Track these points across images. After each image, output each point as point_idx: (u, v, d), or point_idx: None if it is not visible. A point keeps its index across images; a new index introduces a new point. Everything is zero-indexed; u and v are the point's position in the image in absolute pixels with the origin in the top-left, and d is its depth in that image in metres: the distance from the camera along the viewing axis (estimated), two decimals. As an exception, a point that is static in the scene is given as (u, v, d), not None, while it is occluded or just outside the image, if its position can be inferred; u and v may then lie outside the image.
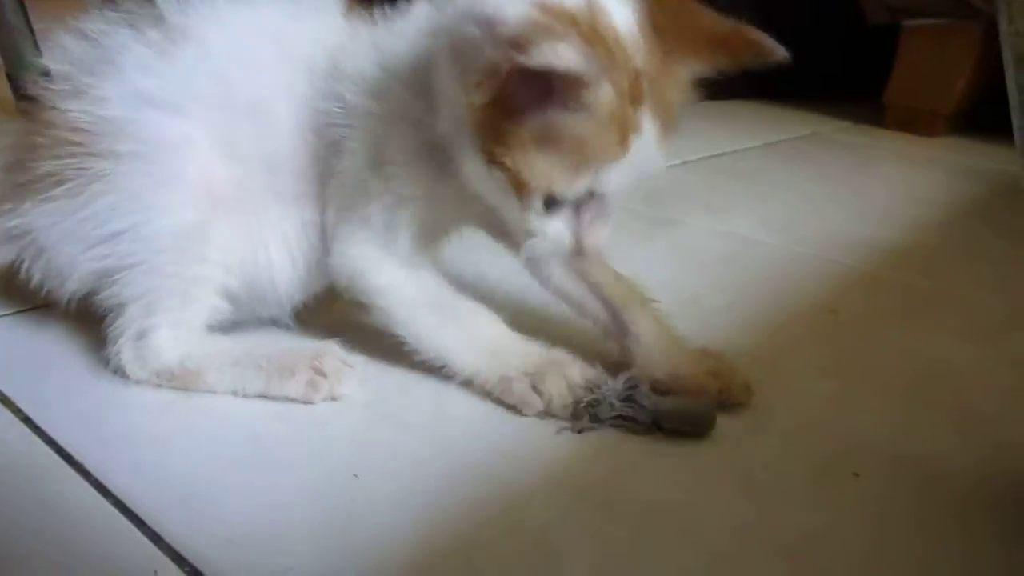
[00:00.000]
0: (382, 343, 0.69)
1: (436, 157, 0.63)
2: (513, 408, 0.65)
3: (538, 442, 0.62)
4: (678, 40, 0.58)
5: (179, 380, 0.65)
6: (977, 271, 1.03)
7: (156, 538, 0.50)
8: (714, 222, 1.11)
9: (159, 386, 0.66)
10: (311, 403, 0.64)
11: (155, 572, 0.48)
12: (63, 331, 0.72)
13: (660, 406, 0.63)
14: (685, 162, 1.40)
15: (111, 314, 0.66)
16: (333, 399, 0.65)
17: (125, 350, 0.65)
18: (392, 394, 0.67)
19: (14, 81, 1.30)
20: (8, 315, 0.74)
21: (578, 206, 0.60)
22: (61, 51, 0.66)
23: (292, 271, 0.69)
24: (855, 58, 1.88)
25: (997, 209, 1.33)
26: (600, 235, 0.61)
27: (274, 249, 0.68)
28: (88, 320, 0.72)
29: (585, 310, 0.72)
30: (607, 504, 0.56)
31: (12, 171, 0.67)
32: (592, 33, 0.53)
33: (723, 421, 0.65)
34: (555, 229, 0.60)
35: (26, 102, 0.68)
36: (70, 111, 0.64)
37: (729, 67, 0.60)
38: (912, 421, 0.68)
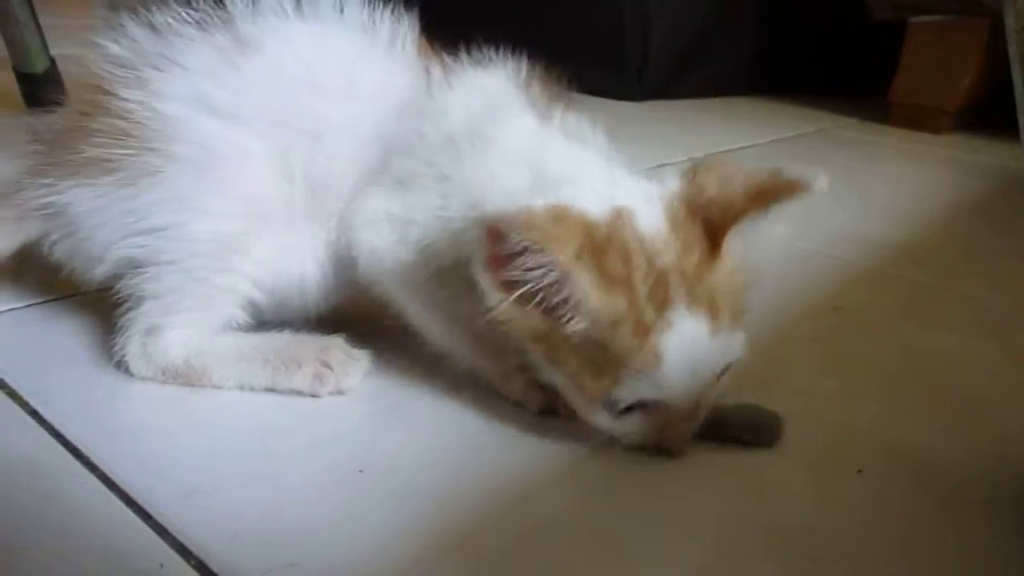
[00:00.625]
0: (388, 338, 0.70)
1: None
2: (518, 404, 0.65)
3: (543, 437, 0.62)
4: (724, 213, 0.57)
5: (183, 378, 0.65)
6: (981, 268, 1.03)
7: (162, 531, 0.50)
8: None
9: (163, 383, 0.66)
10: (317, 396, 0.65)
11: (161, 565, 0.48)
12: (71, 326, 0.72)
13: (725, 414, 0.62)
14: (691, 158, 1.40)
15: (127, 304, 0.66)
16: (339, 392, 0.65)
17: (132, 344, 0.65)
18: (397, 389, 0.67)
19: (21, 76, 1.31)
20: (16, 309, 0.74)
21: (657, 405, 0.57)
22: (127, 39, 0.66)
23: (322, 284, 0.68)
24: (861, 55, 1.87)
25: (1001, 206, 1.32)
26: (685, 434, 0.59)
27: (308, 264, 0.67)
28: (96, 315, 0.73)
29: None
30: (611, 498, 0.57)
31: (57, 148, 0.67)
32: (606, 240, 0.54)
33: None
34: (628, 427, 0.58)
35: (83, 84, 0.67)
36: (128, 101, 0.64)
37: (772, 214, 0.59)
38: (916, 417, 0.69)
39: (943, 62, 1.68)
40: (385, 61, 0.67)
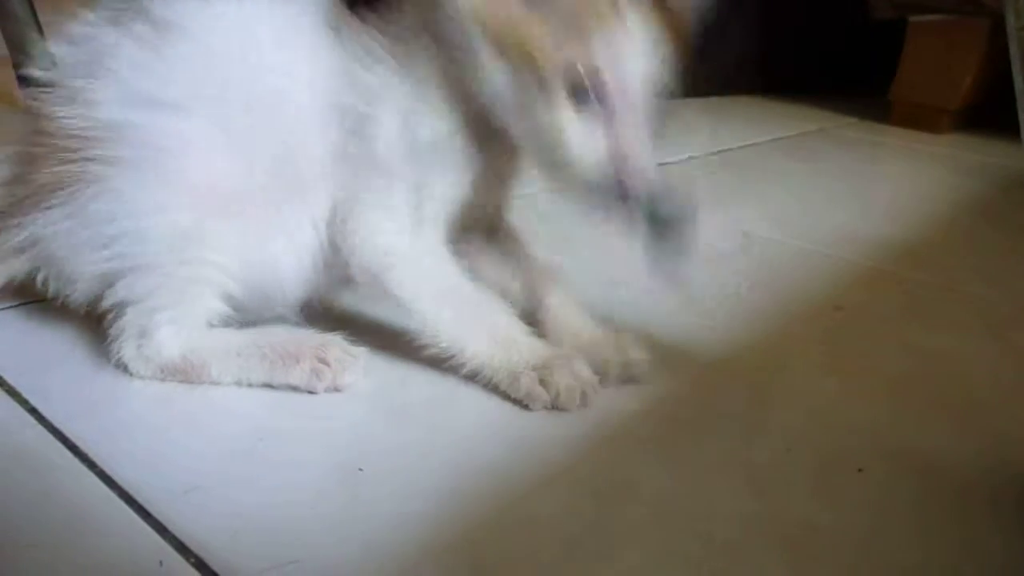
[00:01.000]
0: (386, 335, 0.70)
1: (475, 129, 0.64)
2: (520, 402, 0.65)
3: (544, 434, 0.62)
4: None
5: (183, 374, 0.65)
6: (982, 267, 1.03)
7: (161, 529, 0.50)
8: (719, 217, 1.11)
9: (163, 380, 0.66)
10: (314, 392, 0.64)
11: (160, 562, 0.48)
12: (70, 323, 0.72)
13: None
14: (691, 157, 1.40)
15: (113, 315, 0.66)
16: (336, 389, 0.65)
17: (127, 348, 0.65)
18: (396, 387, 0.67)
19: (20, 73, 1.30)
20: (14, 307, 0.74)
21: (608, 112, 0.59)
22: (50, 58, 0.66)
23: (299, 269, 0.68)
24: (861, 54, 1.87)
25: (1003, 206, 1.32)
26: (640, 145, 0.59)
27: (281, 247, 0.67)
28: (95, 312, 0.73)
29: (504, 286, 0.73)
30: (612, 496, 0.56)
31: (14, 185, 0.66)
32: None
33: (727, 416, 0.65)
34: (584, 133, 0.59)
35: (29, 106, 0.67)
36: (64, 118, 0.63)
37: None
38: (917, 417, 0.68)
39: (944, 61, 1.67)
40: (315, 25, 0.66)
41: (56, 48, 0.66)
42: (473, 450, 0.60)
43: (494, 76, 0.60)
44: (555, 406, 0.64)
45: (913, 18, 1.69)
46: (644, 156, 0.59)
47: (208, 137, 0.63)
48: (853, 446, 0.64)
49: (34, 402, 0.61)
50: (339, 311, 0.74)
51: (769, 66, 1.91)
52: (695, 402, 0.67)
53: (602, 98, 0.59)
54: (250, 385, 0.65)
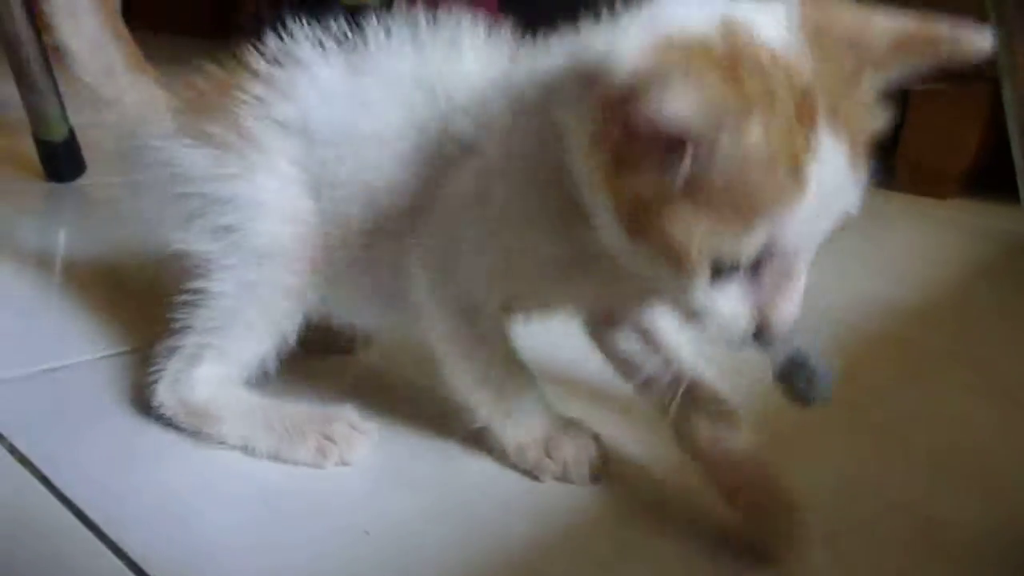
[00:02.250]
0: (397, 402, 0.70)
1: (564, 215, 0.55)
2: (529, 473, 0.65)
3: (552, 502, 0.62)
4: (850, 46, 0.48)
5: (196, 419, 0.65)
6: (989, 332, 1.03)
7: (169, 599, 0.50)
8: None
9: (178, 421, 0.66)
10: (321, 469, 0.64)
11: (167, 633, 0.48)
12: (79, 389, 0.73)
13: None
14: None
15: (177, 331, 0.67)
16: (344, 465, 0.65)
17: (169, 370, 0.66)
18: (404, 452, 0.67)
19: (41, 143, 1.33)
20: (29, 375, 0.75)
21: (756, 271, 0.50)
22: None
23: (365, 305, 0.68)
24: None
25: (1009, 269, 1.33)
26: (792, 306, 0.51)
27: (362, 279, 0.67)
28: (107, 380, 0.73)
29: (646, 382, 0.65)
30: (620, 566, 0.56)
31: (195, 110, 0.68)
32: (731, 57, 0.45)
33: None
34: (730, 307, 0.50)
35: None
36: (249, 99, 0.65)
37: (920, 70, 0.51)
38: (929, 482, 0.68)
39: (947, 127, 1.70)
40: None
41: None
42: (481, 516, 0.60)
43: (619, 245, 0.51)
44: (564, 479, 0.64)
45: (916, 85, 1.71)
46: (792, 311, 0.51)
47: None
48: (863, 511, 0.63)
49: (44, 470, 0.61)
50: (355, 375, 0.74)
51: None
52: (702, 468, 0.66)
53: (757, 271, 0.50)
54: (256, 455, 0.65)
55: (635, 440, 0.69)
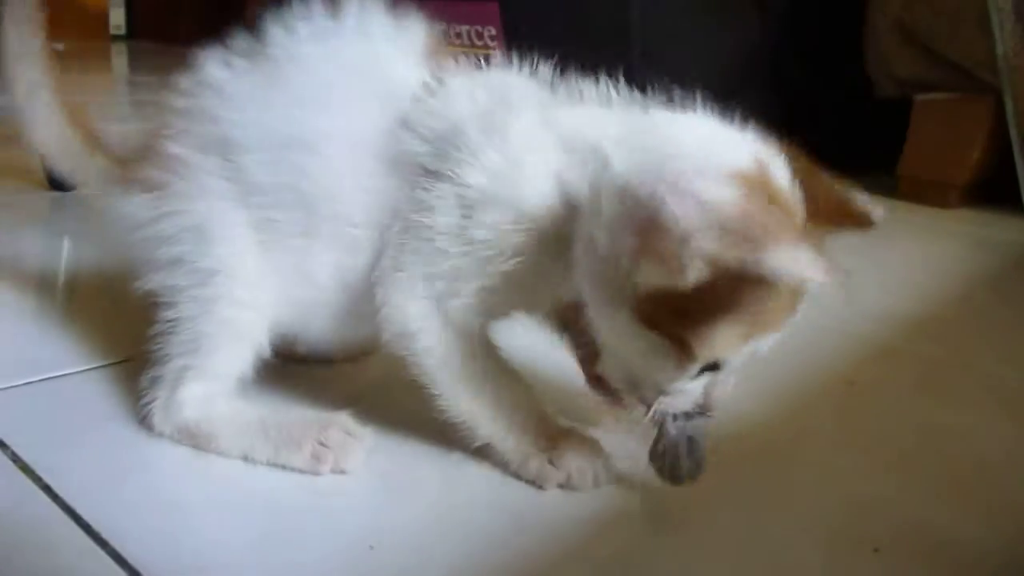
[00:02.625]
0: (400, 412, 0.70)
1: (547, 249, 0.60)
2: (532, 483, 0.64)
3: (556, 513, 0.62)
4: (816, 207, 0.56)
5: (195, 439, 0.66)
6: (994, 343, 1.02)
7: (171, 609, 0.50)
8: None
9: (177, 443, 0.66)
10: (317, 475, 0.64)
11: (169, 644, 0.47)
12: (82, 398, 0.73)
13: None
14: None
15: (156, 361, 0.68)
16: (340, 472, 0.65)
17: (159, 397, 0.67)
18: (409, 464, 0.67)
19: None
20: (31, 384, 0.75)
21: (721, 375, 0.57)
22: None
23: (326, 315, 0.68)
24: (868, 131, 1.90)
25: (1013, 280, 1.33)
26: (728, 388, 0.59)
27: (308, 287, 0.67)
28: (110, 389, 0.73)
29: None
30: (623, 574, 0.56)
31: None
32: (777, 197, 0.53)
33: (740, 493, 0.65)
34: (694, 389, 0.57)
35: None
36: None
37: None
38: (933, 496, 0.68)
39: (949, 138, 1.69)
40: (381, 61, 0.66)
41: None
42: (485, 529, 0.60)
43: (617, 324, 0.56)
44: (568, 486, 0.64)
45: (918, 96, 1.72)
46: (728, 392, 0.59)
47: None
48: (868, 524, 0.63)
49: (46, 478, 0.61)
50: (354, 384, 0.74)
51: (774, 143, 1.93)
52: (707, 479, 0.66)
53: (723, 368, 0.57)
54: (255, 463, 0.65)
55: (638, 446, 0.68)
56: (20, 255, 1.08)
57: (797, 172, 0.57)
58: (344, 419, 0.67)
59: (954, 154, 1.71)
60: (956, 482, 0.70)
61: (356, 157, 0.64)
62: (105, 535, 0.56)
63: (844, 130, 1.94)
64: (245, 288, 0.66)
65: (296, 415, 0.67)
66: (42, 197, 1.34)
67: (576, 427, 0.67)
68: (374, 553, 0.56)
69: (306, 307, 0.68)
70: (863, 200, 0.60)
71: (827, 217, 0.58)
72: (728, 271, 0.49)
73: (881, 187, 1.81)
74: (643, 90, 0.63)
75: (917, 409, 0.83)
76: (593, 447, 0.65)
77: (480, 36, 1.96)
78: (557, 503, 0.63)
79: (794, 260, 0.48)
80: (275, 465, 0.65)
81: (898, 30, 1.66)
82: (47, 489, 0.60)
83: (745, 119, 0.60)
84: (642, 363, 0.57)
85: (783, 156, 0.57)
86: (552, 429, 0.65)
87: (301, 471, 0.64)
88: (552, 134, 0.60)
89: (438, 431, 0.67)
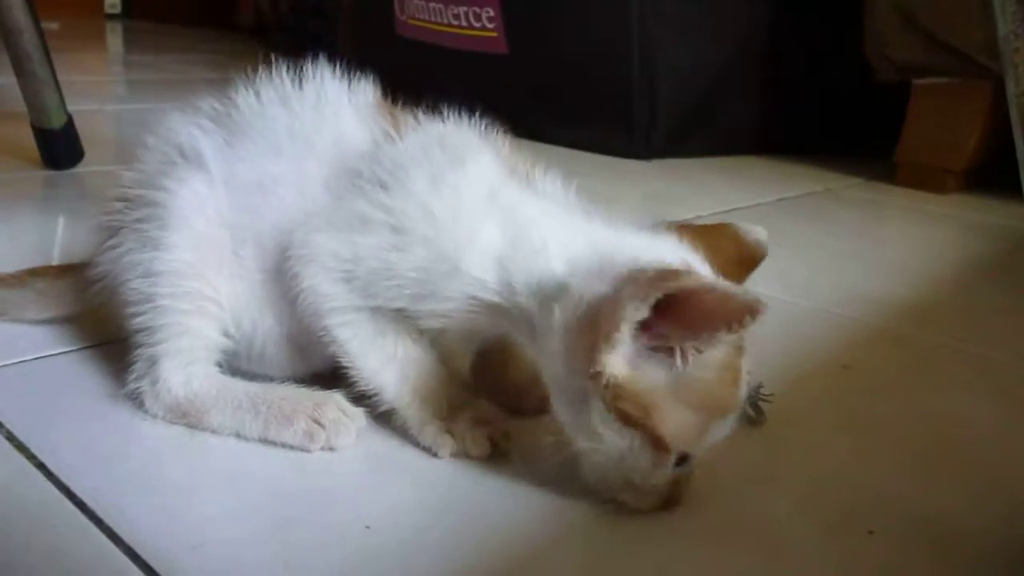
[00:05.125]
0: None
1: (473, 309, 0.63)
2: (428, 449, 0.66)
3: (553, 492, 0.62)
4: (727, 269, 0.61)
5: (186, 417, 0.67)
6: (989, 327, 1.03)
7: (166, 587, 0.50)
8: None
9: (172, 423, 0.67)
10: (308, 452, 0.64)
11: (165, 621, 0.47)
12: (77, 377, 0.72)
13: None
14: (698, 216, 1.41)
15: (130, 352, 0.69)
16: (331, 449, 0.65)
17: (144, 383, 0.67)
18: (406, 445, 0.67)
19: (39, 131, 1.33)
20: (25, 361, 0.75)
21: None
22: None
23: (279, 344, 0.70)
24: (866, 116, 1.90)
25: (1008, 266, 1.33)
26: (689, 481, 0.60)
27: (262, 316, 0.69)
28: (106, 367, 0.73)
29: None
30: (621, 558, 0.56)
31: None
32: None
33: (736, 476, 0.65)
34: (665, 478, 0.58)
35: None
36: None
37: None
38: (927, 479, 0.68)
39: (948, 123, 1.69)
40: (333, 117, 0.69)
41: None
42: (482, 509, 0.60)
43: (594, 419, 0.57)
44: (464, 454, 0.65)
45: (916, 81, 1.71)
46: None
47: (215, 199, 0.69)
48: (862, 507, 0.63)
49: (41, 457, 0.61)
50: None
51: (773, 128, 1.93)
52: (703, 462, 0.66)
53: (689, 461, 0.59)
54: (247, 438, 0.65)
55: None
56: (14, 233, 1.07)
57: (705, 249, 0.61)
58: (338, 398, 0.67)
59: (952, 139, 1.70)
60: (949, 464, 0.70)
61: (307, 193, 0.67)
62: (100, 513, 0.56)
63: (842, 115, 1.94)
64: (210, 288, 0.68)
65: (289, 391, 0.67)
66: (36, 175, 1.34)
67: (478, 401, 0.68)
68: (370, 532, 0.56)
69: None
70: (748, 234, 0.66)
71: (739, 267, 0.64)
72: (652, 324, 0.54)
73: (878, 172, 1.82)
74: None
75: (911, 392, 0.83)
76: (490, 419, 0.67)
77: (478, 18, 1.95)
78: (553, 483, 0.63)
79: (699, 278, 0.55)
80: (266, 441, 0.65)
81: (897, 14, 1.65)
82: (41, 467, 0.60)
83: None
84: (617, 462, 0.57)
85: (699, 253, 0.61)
86: (456, 402, 0.67)
87: (291, 447, 0.65)
88: (499, 215, 0.62)
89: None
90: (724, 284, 0.56)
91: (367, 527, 0.57)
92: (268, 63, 0.71)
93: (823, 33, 1.86)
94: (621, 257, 0.57)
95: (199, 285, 0.67)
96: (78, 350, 0.77)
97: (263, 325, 0.69)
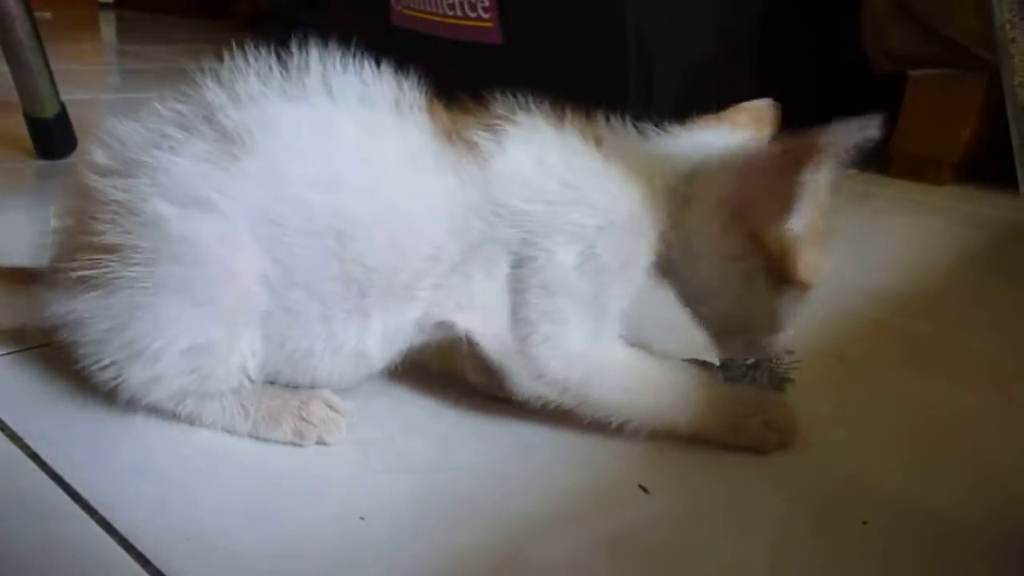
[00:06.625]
0: (384, 382, 0.70)
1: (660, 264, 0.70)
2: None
3: (545, 482, 0.62)
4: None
5: (177, 417, 0.66)
6: (983, 319, 1.03)
7: (160, 577, 0.50)
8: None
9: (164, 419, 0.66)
10: (300, 447, 0.64)
11: (159, 611, 0.47)
12: (73, 368, 0.72)
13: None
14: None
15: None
16: (323, 444, 0.65)
17: (125, 383, 0.65)
18: (397, 435, 0.67)
19: (31, 120, 1.32)
20: (19, 351, 0.75)
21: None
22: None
23: (332, 370, 0.66)
24: (861, 106, 1.89)
25: (1003, 257, 1.33)
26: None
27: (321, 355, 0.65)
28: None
29: None
30: (613, 545, 0.56)
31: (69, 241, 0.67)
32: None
33: (729, 466, 0.65)
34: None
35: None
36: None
37: None
38: (921, 469, 0.68)
39: (943, 114, 1.69)
40: (398, 134, 0.64)
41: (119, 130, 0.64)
42: (475, 499, 0.60)
43: (727, 275, 0.69)
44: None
45: (912, 72, 1.71)
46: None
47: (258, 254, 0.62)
48: (857, 497, 0.63)
49: (35, 447, 0.61)
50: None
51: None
52: (695, 451, 0.67)
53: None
54: (237, 435, 0.65)
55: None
56: (6, 224, 1.07)
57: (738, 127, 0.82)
58: (326, 393, 0.67)
59: (947, 131, 1.70)
60: (944, 455, 0.70)
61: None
62: (94, 503, 0.56)
63: (839, 106, 1.93)
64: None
65: (275, 391, 0.66)
66: (29, 165, 1.33)
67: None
68: (365, 523, 0.56)
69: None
70: (756, 106, 0.87)
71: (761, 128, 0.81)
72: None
73: (874, 163, 1.82)
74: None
75: (906, 383, 0.84)
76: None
77: (473, 8, 1.94)
78: (546, 471, 0.63)
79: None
80: (257, 439, 0.65)
81: (894, 5, 1.65)
82: (35, 457, 0.60)
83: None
84: (747, 306, 0.70)
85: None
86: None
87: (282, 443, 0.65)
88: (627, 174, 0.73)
89: (428, 403, 0.67)
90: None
91: (361, 518, 0.57)
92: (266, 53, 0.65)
93: (820, 23, 1.86)
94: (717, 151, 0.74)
95: (215, 365, 0.63)
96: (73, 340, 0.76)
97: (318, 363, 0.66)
